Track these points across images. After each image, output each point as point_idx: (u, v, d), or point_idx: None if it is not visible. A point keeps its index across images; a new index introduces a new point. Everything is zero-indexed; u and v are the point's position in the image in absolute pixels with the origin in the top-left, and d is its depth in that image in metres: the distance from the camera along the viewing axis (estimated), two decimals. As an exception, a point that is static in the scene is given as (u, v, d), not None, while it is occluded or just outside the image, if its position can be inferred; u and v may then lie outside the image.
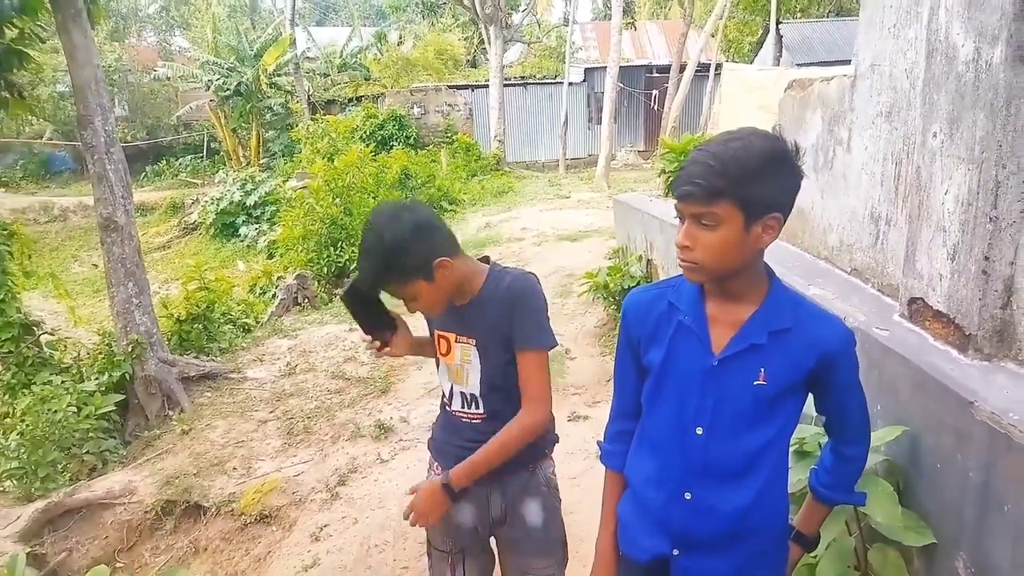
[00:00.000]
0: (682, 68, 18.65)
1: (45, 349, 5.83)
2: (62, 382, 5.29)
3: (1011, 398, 1.69)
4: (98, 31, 20.01)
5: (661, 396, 1.55)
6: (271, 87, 20.98)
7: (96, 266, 13.98)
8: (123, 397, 5.49)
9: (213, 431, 5.16)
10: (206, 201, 17.10)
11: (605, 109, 16.06)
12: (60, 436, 4.86)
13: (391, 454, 4.56)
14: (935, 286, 2.08)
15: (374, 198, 10.94)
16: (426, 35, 26.61)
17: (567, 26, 21.69)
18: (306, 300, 8.89)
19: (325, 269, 9.89)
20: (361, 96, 21.12)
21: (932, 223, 2.09)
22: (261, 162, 20.63)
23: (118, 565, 4.15)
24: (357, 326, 2.04)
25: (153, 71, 23.47)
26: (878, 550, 1.93)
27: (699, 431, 1.49)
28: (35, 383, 5.29)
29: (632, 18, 22.13)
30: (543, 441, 2.04)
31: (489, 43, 18.95)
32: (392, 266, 1.78)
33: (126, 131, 22.76)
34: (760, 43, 19.60)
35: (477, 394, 1.96)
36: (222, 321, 7.11)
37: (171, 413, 5.52)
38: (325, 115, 18.63)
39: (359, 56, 23.31)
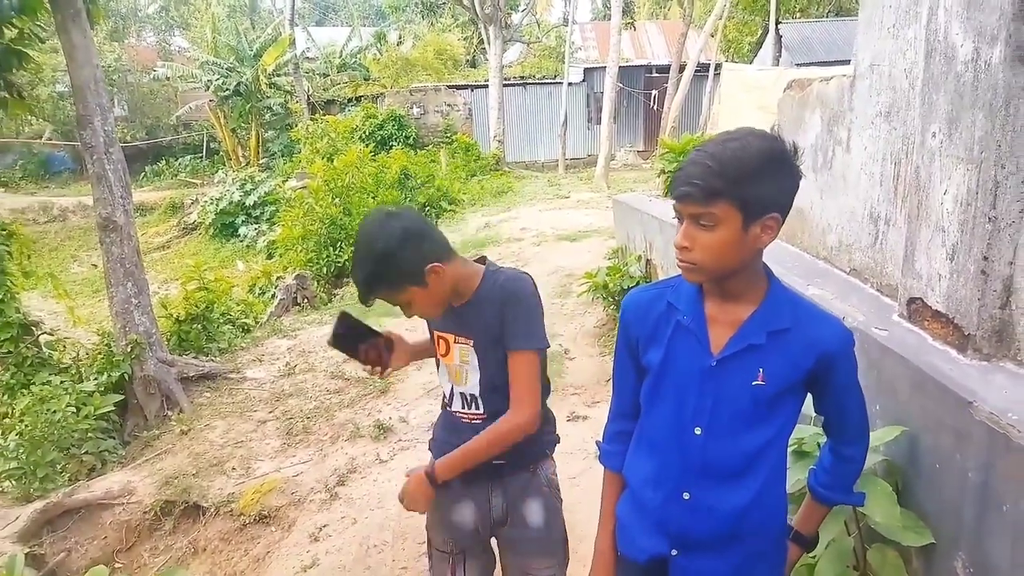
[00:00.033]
0: (681, 68, 18.64)
1: (44, 349, 5.82)
2: (61, 382, 5.29)
3: (1010, 398, 1.69)
4: (97, 31, 20.01)
5: (660, 396, 1.55)
6: (270, 87, 20.99)
7: (95, 266, 13.98)
8: (122, 397, 5.49)
9: (212, 431, 5.16)
10: (205, 201, 17.11)
11: (604, 109, 16.06)
12: (59, 436, 4.86)
13: (390, 454, 4.56)
14: (934, 286, 2.08)
15: (373, 198, 10.96)
16: (425, 35, 26.63)
17: (566, 26, 21.70)
18: (305, 300, 8.89)
19: (324, 269, 9.90)
20: (360, 96, 21.14)
21: (931, 223, 2.09)
22: (260, 162, 20.64)
23: (117, 565, 4.14)
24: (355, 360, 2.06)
25: (152, 71, 23.51)
26: (877, 550, 1.93)
27: (697, 431, 1.49)
28: (34, 383, 5.29)
29: (631, 18, 22.13)
30: (544, 441, 2.04)
31: (488, 43, 18.97)
32: (383, 275, 1.79)
33: (125, 131, 22.75)
34: (759, 43, 19.63)
35: (477, 394, 1.96)
36: (221, 321, 7.11)
37: (170, 413, 5.51)
38: (324, 115, 18.64)
39: (358, 56, 23.33)
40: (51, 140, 23.14)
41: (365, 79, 22.69)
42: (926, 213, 2.11)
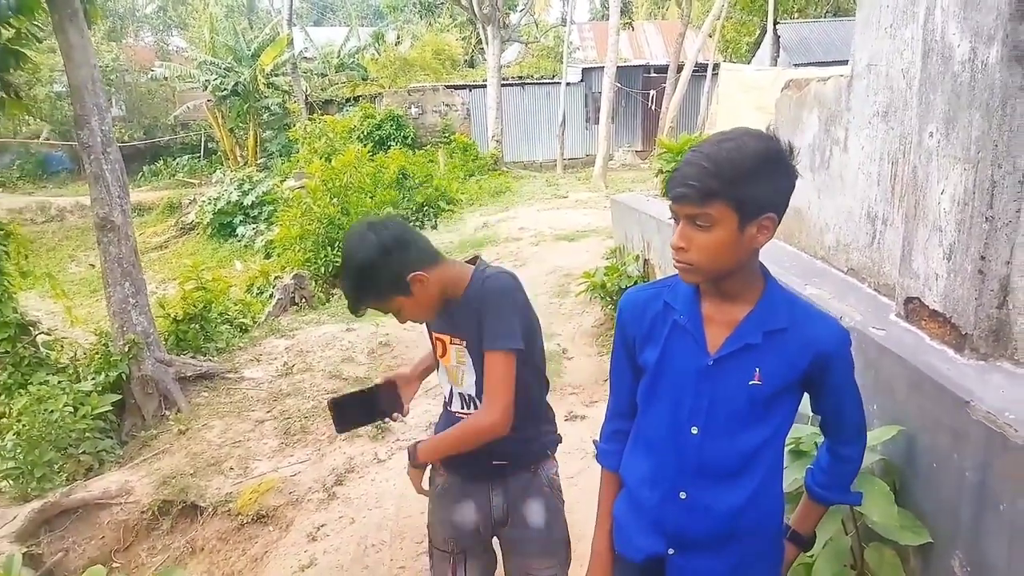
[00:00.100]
0: (679, 68, 18.64)
1: (41, 349, 5.82)
2: (58, 382, 5.28)
3: (1007, 397, 1.69)
4: (95, 31, 20.00)
5: (656, 396, 1.55)
6: (268, 87, 20.96)
7: (93, 266, 13.95)
8: (120, 397, 5.48)
9: (210, 431, 5.15)
10: (203, 201, 17.07)
11: (603, 109, 16.07)
12: (56, 436, 4.85)
13: (388, 454, 4.55)
14: (931, 286, 2.08)
15: (371, 198, 10.95)
16: (424, 35, 26.61)
17: (565, 26, 21.69)
18: (303, 300, 8.88)
19: (322, 269, 9.88)
20: (358, 96, 21.10)
21: (928, 223, 2.09)
22: (258, 162, 20.61)
23: (115, 565, 4.14)
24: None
25: (150, 71, 23.44)
26: (874, 549, 1.93)
27: (694, 431, 1.49)
28: (31, 383, 5.28)
29: (630, 18, 22.13)
30: (545, 441, 2.05)
31: (487, 43, 18.96)
32: (365, 288, 1.82)
33: (123, 131, 22.70)
34: (757, 43, 19.65)
35: (473, 394, 1.96)
36: (219, 321, 7.09)
37: (168, 413, 5.51)
38: (322, 115, 18.61)
39: (356, 56, 23.29)
40: (48, 140, 23.10)
41: (363, 79, 22.66)
42: (923, 213, 2.12)
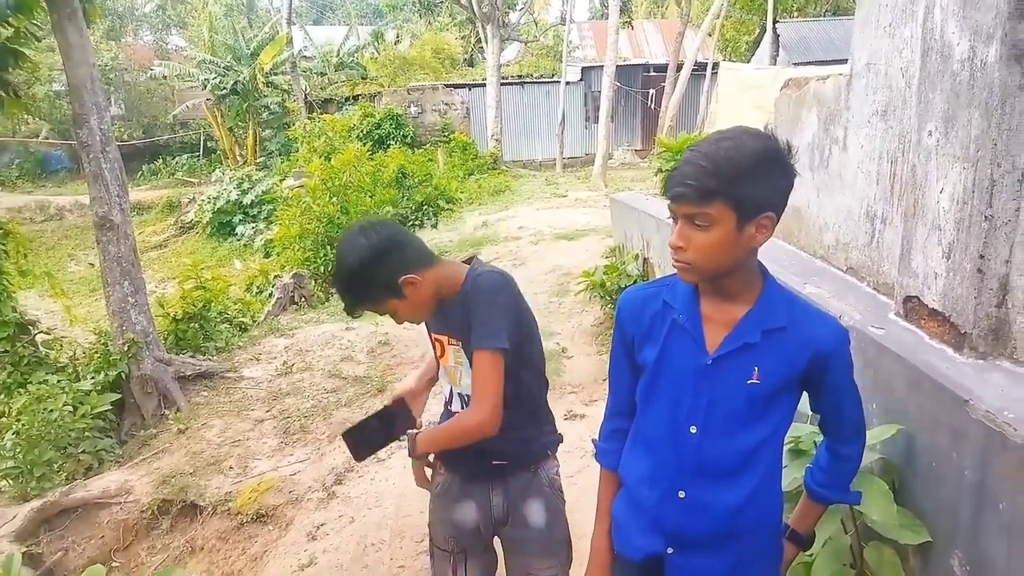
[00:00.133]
0: (679, 67, 18.65)
1: (41, 348, 5.82)
2: (58, 381, 5.28)
3: (1006, 396, 1.69)
4: (94, 30, 19.99)
5: (655, 395, 1.55)
6: (268, 86, 20.95)
7: (92, 265, 13.95)
8: (119, 396, 5.48)
9: (209, 430, 5.15)
10: (203, 200, 17.08)
11: (602, 108, 16.07)
12: (56, 435, 4.85)
13: (387, 453, 4.54)
14: (930, 284, 2.08)
15: (371, 197, 10.95)
16: (423, 34, 26.61)
17: (564, 25, 21.72)
18: (303, 299, 8.88)
19: (322, 268, 9.88)
20: (358, 95, 21.10)
21: (927, 221, 2.09)
22: (258, 161, 20.60)
23: (114, 565, 4.14)
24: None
25: (149, 70, 23.40)
26: (874, 548, 1.93)
27: (693, 430, 1.49)
28: (31, 382, 5.28)
29: (629, 17, 22.14)
30: (545, 441, 2.04)
31: (486, 42, 18.96)
32: (358, 292, 1.83)
33: (122, 130, 22.70)
34: (757, 42, 19.66)
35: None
36: (218, 320, 7.10)
37: (167, 412, 5.51)
38: (322, 114, 18.61)
39: (356, 55, 23.29)
40: (48, 139, 23.09)
41: (363, 78, 22.66)
42: (922, 212, 2.12)
